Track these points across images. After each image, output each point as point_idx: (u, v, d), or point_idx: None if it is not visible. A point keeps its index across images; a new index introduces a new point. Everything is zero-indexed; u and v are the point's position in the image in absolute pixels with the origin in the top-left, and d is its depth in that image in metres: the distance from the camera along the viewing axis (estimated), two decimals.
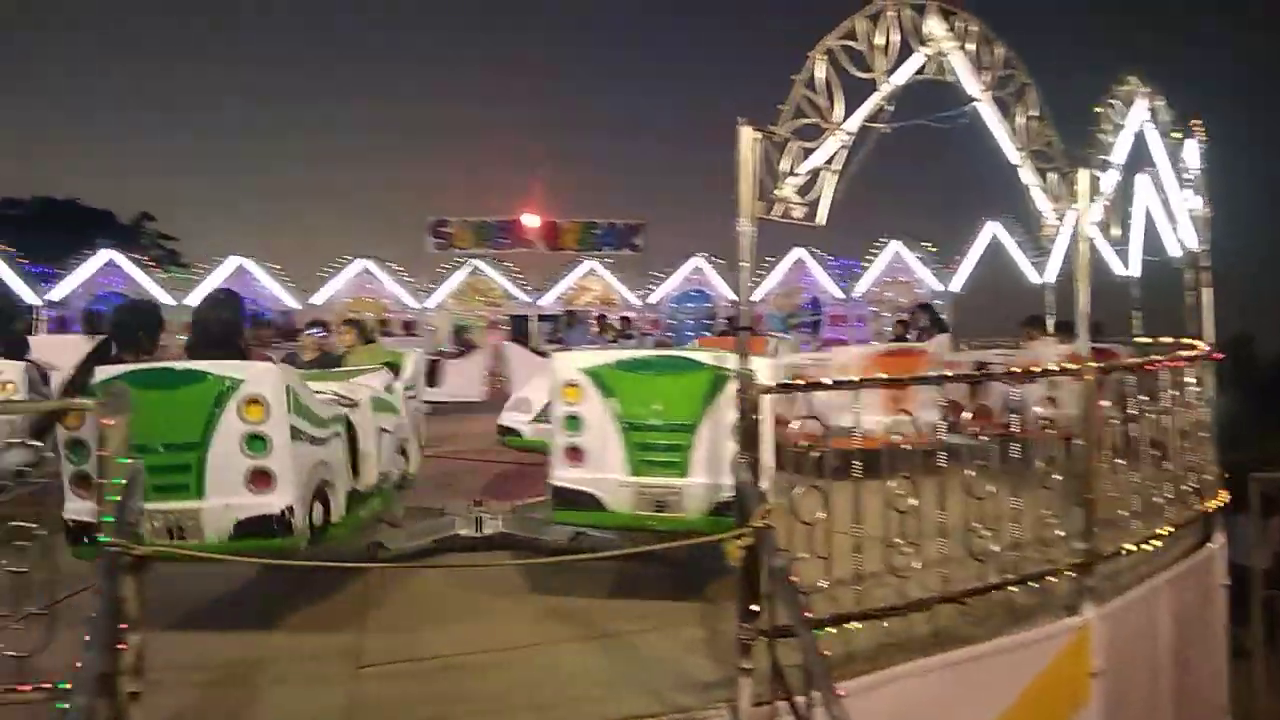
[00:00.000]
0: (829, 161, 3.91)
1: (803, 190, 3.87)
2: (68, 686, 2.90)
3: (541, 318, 20.44)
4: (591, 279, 21.19)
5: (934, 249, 20.41)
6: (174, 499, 4.06)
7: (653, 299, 20.81)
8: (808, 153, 3.90)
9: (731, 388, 4.35)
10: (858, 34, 4.08)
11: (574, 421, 4.84)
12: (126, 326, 5.11)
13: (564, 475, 4.87)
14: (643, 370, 4.87)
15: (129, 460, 3.17)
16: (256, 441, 4.10)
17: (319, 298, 19.78)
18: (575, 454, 4.84)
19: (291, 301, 19.41)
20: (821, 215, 3.95)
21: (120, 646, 2.96)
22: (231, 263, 19.21)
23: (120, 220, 37.54)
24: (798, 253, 19.88)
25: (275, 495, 4.12)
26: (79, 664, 2.82)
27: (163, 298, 18.11)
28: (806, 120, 3.88)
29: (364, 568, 5.21)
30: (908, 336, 12.12)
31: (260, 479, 4.11)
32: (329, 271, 20.10)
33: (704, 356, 4.94)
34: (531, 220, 21.62)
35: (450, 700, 3.73)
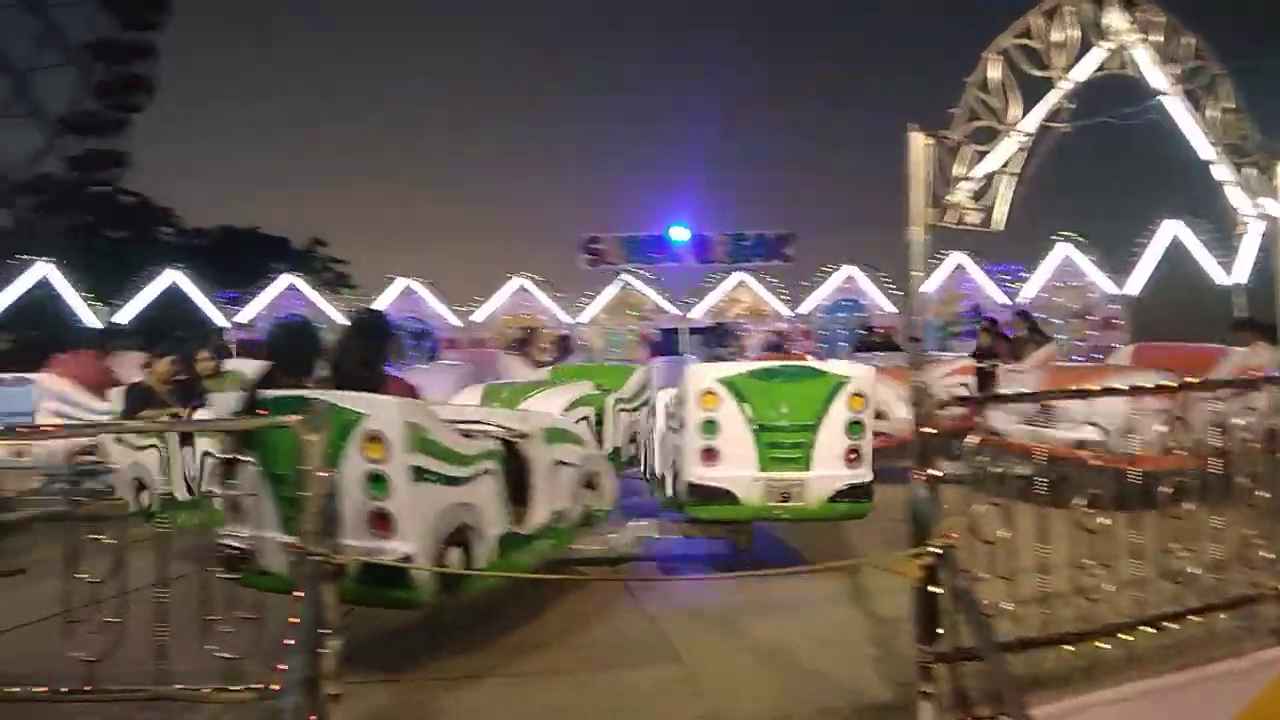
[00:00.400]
0: (1005, 164, 3.76)
1: (978, 195, 3.73)
2: (277, 688, 3.10)
3: (692, 330, 20.49)
4: (741, 291, 21.10)
5: (1102, 251, 19.26)
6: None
7: (803, 309, 20.53)
8: (981, 155, 3.76)
9: (846, 391, 5.54)
10: (1033, 31, 3.91)
11: (711, 425, 5.54)
12: (284, 348, 4.94)
13: (701, 474, 5.51)
14: (771, 379, 5.70)
15: (326, 474, 3.32)
16: (377, 482, 3.83)
17: (479, 315, 20.49)
18: (711, 455, 5.52)
19: (455, 320, 20.17)
20: (999, 220, 3.80)
21: (322, 651, 3.13)
22: (399, 284, 20.16)
23: (294, 246, 39.99)
24: (957, 258, 19.17)
25: (395, 541, 3.84)
26: (284, 666, 3.00)
27: (338, 319, 19.23)
28: (980, 123, 3.75)
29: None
30: (997, 351, 11.28)
31: (380, 522, 3.84)
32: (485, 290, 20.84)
33: (822, 365, 6.01)
34: (680, 234, 21.78)
35: (622, 712, 3.78)
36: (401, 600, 3.99)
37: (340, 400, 3.92)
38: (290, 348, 4.88)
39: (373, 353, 4.68)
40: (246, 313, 19.44)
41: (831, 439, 5.50)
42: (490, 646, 4.57)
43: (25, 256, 18.25)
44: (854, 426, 5.58)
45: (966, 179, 3.68)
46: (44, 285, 18.14)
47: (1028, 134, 3.77)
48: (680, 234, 21.74)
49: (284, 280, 19.87)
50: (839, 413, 5.51)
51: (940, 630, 3.39)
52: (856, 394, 5.60)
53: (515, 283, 20.83)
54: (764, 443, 5.48)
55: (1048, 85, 3.98)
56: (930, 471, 3.49)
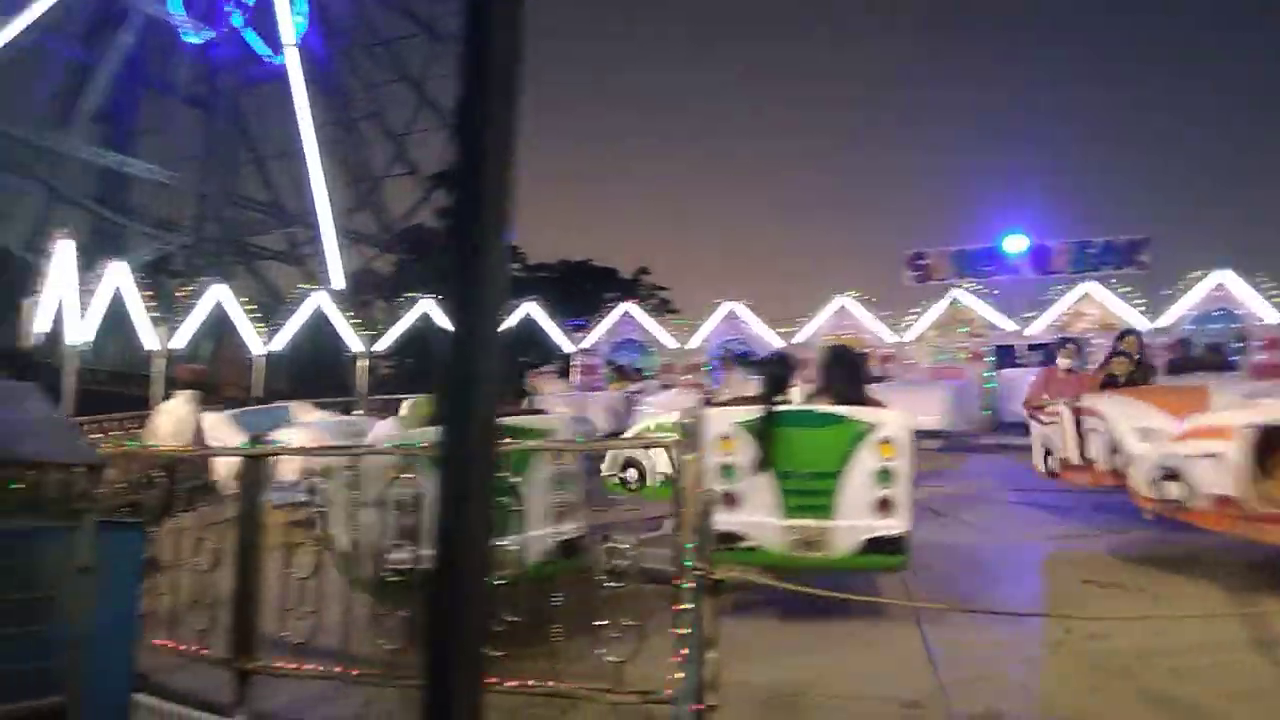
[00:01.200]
0: None
1: None
2: (663, 693, 3.29)
3: (1031, 346, 19.15)
4: (1087, 302, 19.42)
5: None
6: (811, 517, 5.03)
7: (1163, 321, 18.47)
8: None
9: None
10: None
11: None
12: (776, 373, 5.94)
13: None
14: None
15: (707, 491, 3.49)
16: (884, 475, 4.99)
17: (801, 336, 20.53)
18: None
19: (779, 342, 20.34)
20: None
21: (703, 662, 3.27)
22: (723, 308, 20.73)
23: (622, 275, 42.35)
24: None
25: (896, 520, 4.98)
26: (677, 675, 3.17)
27: (668, 342, 20.20)
28: None
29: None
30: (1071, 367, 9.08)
31: (884, 506, 4.97)
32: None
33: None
34: (1016, 244, 20.51)
35: None
36: (893, 565, 5.15)
37: (850, 413, 5.19)
38: (781, 372, 5.98)
39: (857, 377, 5.86)
40: (590, 338, 20.95)
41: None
42: (853, 671, 4.53)
43: (411, 295, 21.04)
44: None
45: None
46: (424, 318, 20.80)
47: None
48: (1016, 244, 20.49)
49: (621, 308, 21.23)
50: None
51: None
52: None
53: (837, 302, 20.68)
54: None
55: None
56: None
